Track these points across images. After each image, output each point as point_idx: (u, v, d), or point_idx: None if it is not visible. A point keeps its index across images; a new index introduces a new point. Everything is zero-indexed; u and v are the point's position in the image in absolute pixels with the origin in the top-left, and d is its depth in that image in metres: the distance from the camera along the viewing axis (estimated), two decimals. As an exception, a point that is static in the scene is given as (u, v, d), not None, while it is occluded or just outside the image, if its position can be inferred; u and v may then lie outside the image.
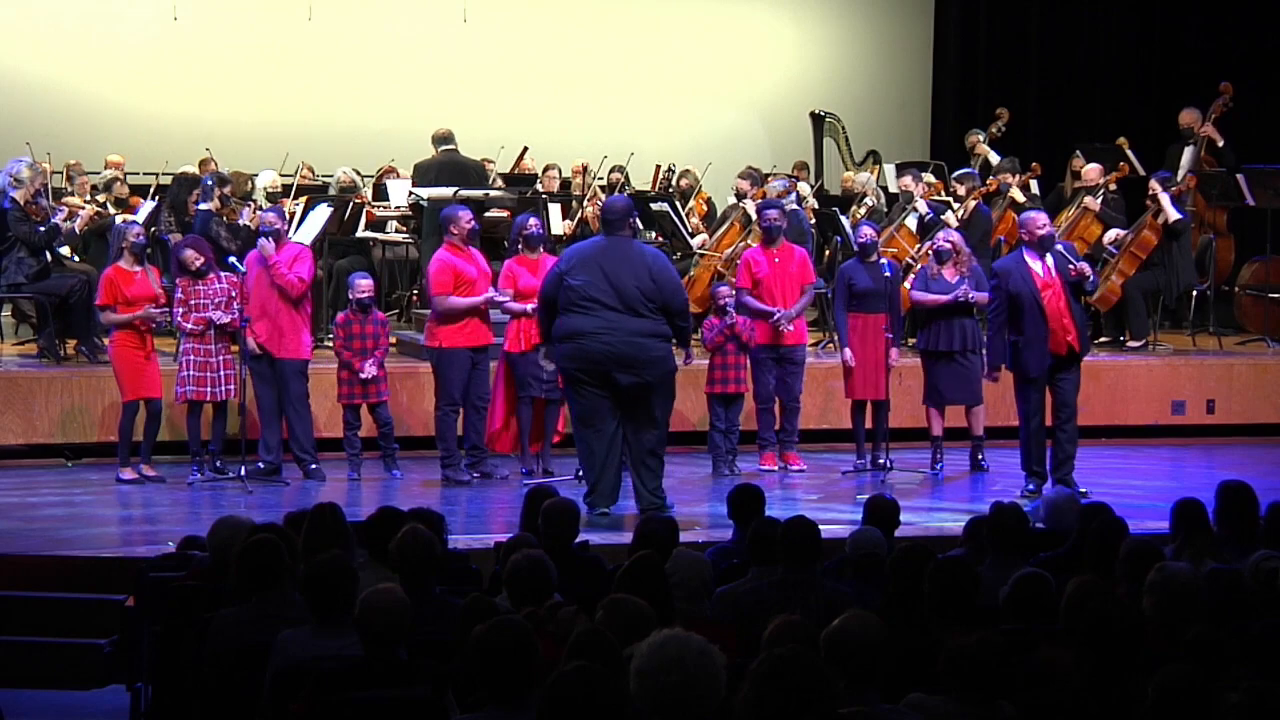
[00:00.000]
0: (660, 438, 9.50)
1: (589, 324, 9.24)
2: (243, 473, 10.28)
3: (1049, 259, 10.02)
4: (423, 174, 13.14)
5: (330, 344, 11.28)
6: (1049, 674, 4.64)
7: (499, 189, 13.56)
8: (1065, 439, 10.19)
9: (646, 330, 9.31)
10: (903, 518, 7.60)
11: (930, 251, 12.85)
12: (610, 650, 4.35)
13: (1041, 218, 10.30)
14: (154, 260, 11.45)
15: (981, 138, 15.50)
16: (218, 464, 10.49)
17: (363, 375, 10.53)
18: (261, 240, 10.46)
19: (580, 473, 10.23)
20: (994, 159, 15.00)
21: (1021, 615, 5.37)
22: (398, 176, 14.17)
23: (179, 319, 10.33)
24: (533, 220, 10.88)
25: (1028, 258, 10.07)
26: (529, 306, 10.29)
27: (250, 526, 6.41)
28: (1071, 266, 9.96)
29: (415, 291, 13.52)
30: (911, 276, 11.93)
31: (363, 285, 10.76)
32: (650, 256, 9.61)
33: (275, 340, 10.44)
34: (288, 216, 12.45)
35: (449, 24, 17.22)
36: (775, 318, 10.82)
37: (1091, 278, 10.14)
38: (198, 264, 10.36)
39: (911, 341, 11.62)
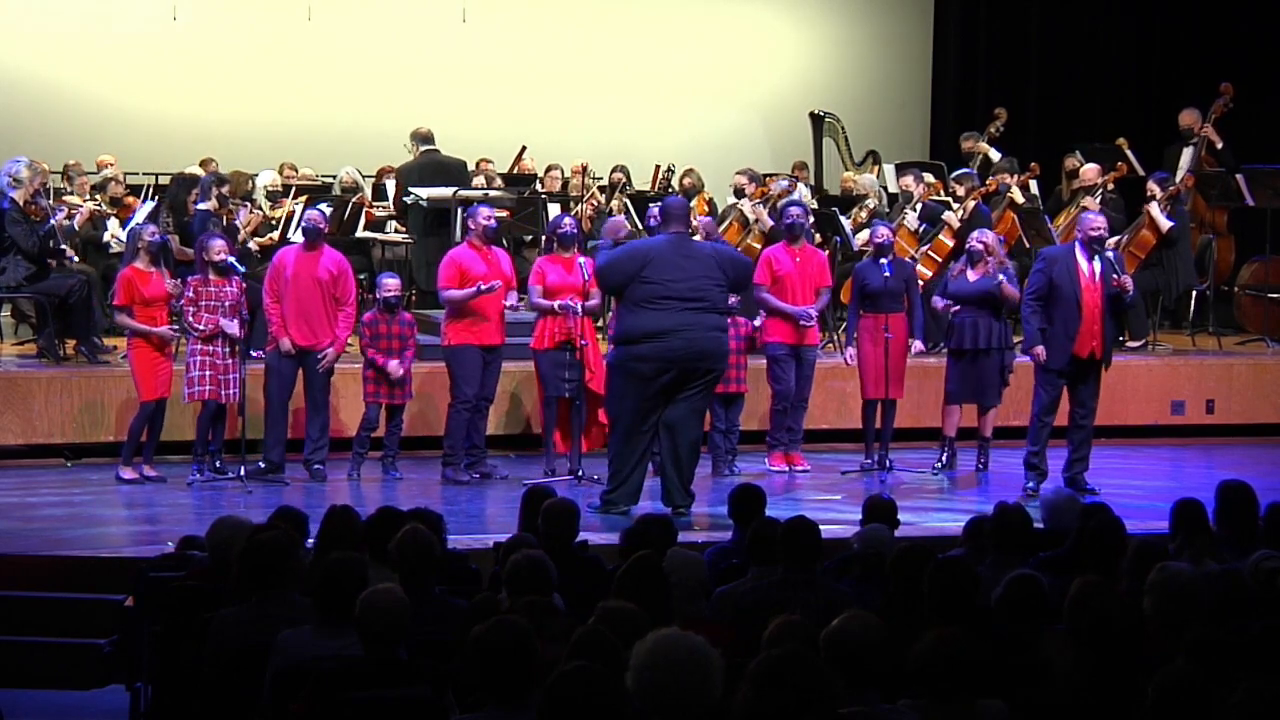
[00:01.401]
0: (701, 436, 9.67)
1: (668, 321, 9.28)
2: (243, 473, 10.29)
3: (1097, 262, 10.07)
4: (406, 176, 13.18)
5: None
6: (1043, 673, 4.64)
7: (498, 189, 13.57)
8: (1080, 439, 10.28)
9: (720, 324, 9.54)
10: (903, 518, 7.61)
11: (931, 253, 12.90)
12: (610, 650, 4.34)
13: (1099, 220, 10.35)
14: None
15: (977, 140, 15.48)
16: (218, 464, 10.48)
17: (391, 375, 10.53)
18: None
19: (581, 473, 10.25)
20: (994, 156, 14.99)
21: (1014, 616, 5.36)
22: (396, 176, 14.20)
23: (189, 319, 10.30)
24: (567, 220, 10.95)
25: (1079, 254, 10.11)
26: (555, 304, 10.34)
27: (250, 526, 6.40)
28: (1115, 277, 10.02)
29: (412, 292, 13.52)
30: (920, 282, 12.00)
31: (390, 284, 10.74)
32: (714, 250, 9.78)
33: (311, 336, 10.43)
34: (281, 216, 12.50)
35: (448, 24, 17.23)
36: (802, 321, 10.85)
37: (1131, 293, 10.15)
38: (222, 256, 10.33)
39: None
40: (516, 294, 10.71)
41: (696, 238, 10.51)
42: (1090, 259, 10.08)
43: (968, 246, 11.14)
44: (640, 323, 9.34)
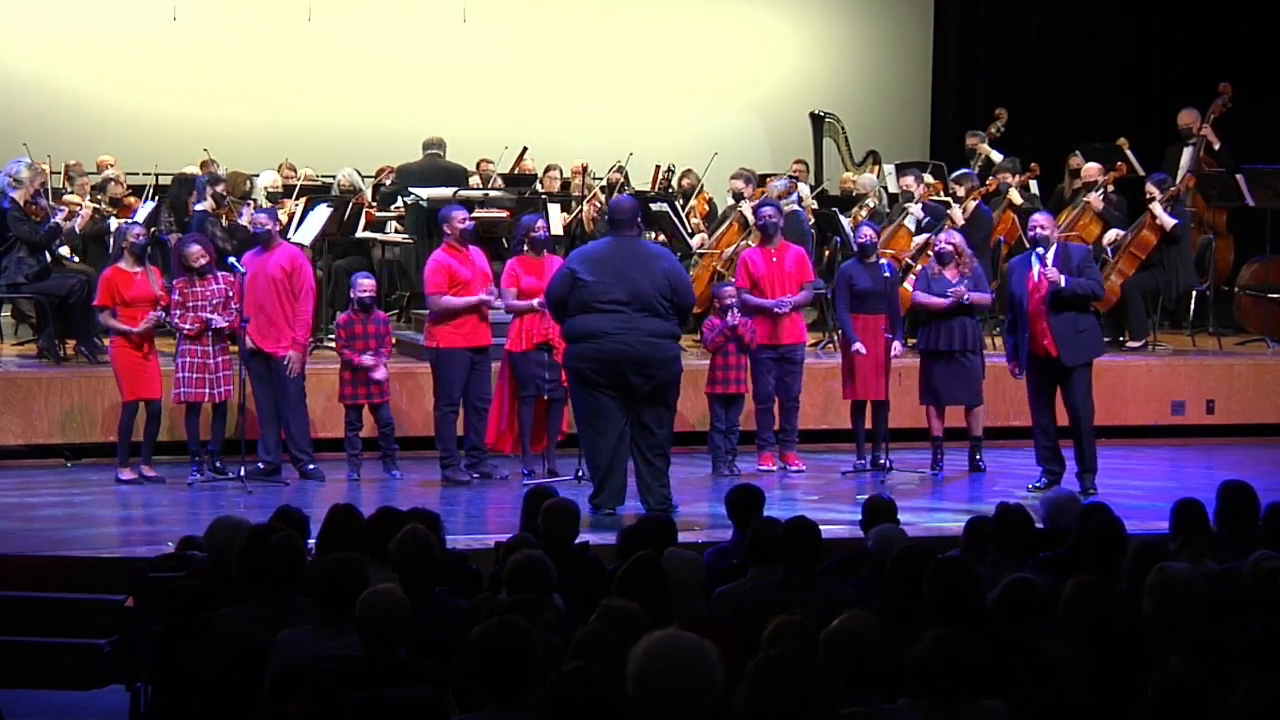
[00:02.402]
0: (668, 436, 9.52)
1: (606, 324, 9.19)
2: (242, 473, 10.29)
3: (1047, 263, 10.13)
4: (406, 177, 13.19)
5: (330, 344, 11.28)
6: (1043, 673, 4.64)
7: (499, 189, 13.57)
8: (1082, 444, 10.29)
9: (661, 330, 9.31)
10: (903, 518, 7.59)
11: (930, 252, 12.88)
12: (611, 650, 4.34)
13: (1041, 220, 10.39)
14: (154, 260, 11.43)
15: (981, 138, 15.49)
16: (217, 464, 10.48)
17: (373, 375, 10.52)
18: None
19: (581, 473, 10.24)
20: (996, 158, 14.99)
21: (1013, 617, 5.36)
22: (396, 177, 14.19)
23: (175, 320, 10.32)
24: (540, 223, 10.86)
25: (1034, 258, 10.21)
26: (534, 302, 10.30)
27: (250, 526, 6.40)
28: (1042, 271, 10.03)
29: (408, 292, 13.51)
30: (913, 277, 11.93)
31: (365, 284, 10.75)
32: (661, 255, 9.66)
33: (271, 339, 10.44)
34: (283, 217, 12.49)
35: (449, 24, 17.23)
36: (776, 309, 10.80)
37: (1064, 283, 10.05)
38: (201, 261, 10.34)
39: (912, 341, 11.66)
40: (494, 287, 10.62)
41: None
42: (1040, 261, 10.15)
43: (936, 248, 11.13)
44: (577, 324, 9.30)
